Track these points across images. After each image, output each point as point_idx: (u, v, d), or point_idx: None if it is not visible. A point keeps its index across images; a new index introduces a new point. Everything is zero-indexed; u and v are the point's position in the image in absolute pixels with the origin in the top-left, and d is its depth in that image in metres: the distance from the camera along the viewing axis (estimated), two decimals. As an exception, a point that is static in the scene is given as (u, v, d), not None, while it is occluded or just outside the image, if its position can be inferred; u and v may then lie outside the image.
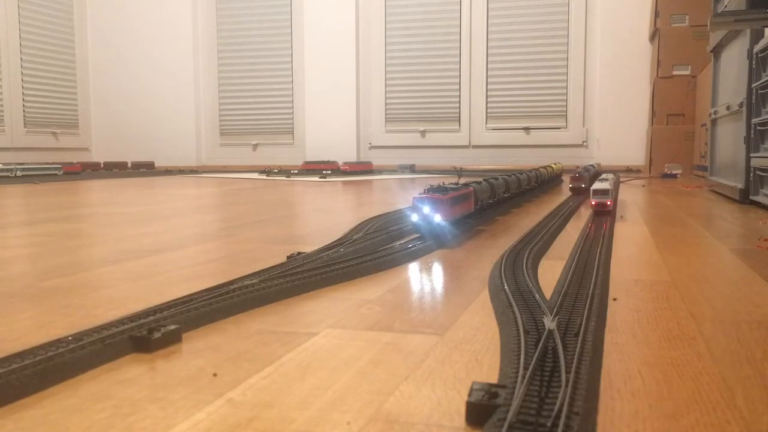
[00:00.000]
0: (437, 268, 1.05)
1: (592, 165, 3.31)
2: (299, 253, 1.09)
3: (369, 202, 2.34)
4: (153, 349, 0.62)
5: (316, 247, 1.17)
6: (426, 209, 1.25)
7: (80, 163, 5.24)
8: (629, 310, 0.78)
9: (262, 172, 4.94)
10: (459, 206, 1.37)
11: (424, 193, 1.28)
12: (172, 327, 0.65)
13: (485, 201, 1.66)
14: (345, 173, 4.63)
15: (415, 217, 1.27)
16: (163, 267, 1.06)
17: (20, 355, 0.55)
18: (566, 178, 3.14)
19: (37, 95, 5.73)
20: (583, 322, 0.64)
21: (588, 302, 0.72)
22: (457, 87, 5.46)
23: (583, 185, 2.48)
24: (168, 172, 5.47)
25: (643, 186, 3.29)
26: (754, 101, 2.17)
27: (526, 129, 5.34)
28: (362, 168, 4.81)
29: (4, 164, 4.56)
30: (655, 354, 0.62)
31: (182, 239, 1.39)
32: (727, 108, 2.53)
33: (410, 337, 0.67)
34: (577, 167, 2.99)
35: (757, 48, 2.14)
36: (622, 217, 1.79)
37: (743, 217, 1.83)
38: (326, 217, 1.83)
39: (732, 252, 1.20)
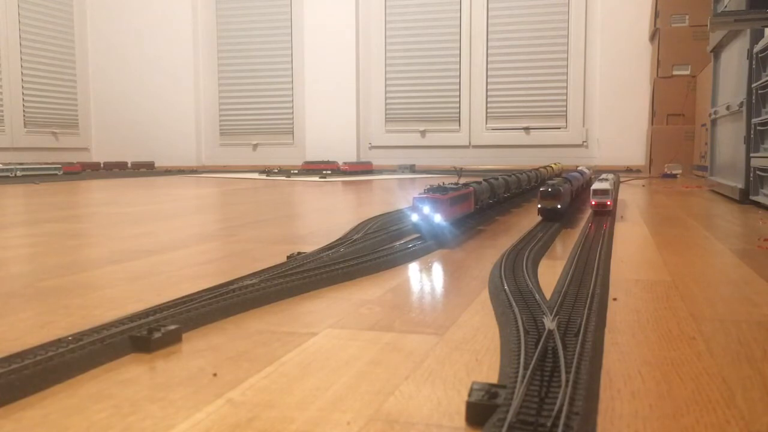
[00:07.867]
0: (437, 268, 1.05)
1: (580, 171, 2.40)
2: (299, 253, 1.09)
3: (369, 202, 2.34)
4: (153, 349, 0.62)
5: (316, 247, 1.17)
6: (426, 209, 1.25)
7: (80, 163, 5.23)
8: (629, 310, 0.78)
9: (262, 172, 4.94)
10: (459, 206, 1.37)
11: (424, 193, 1.28)
12: (172, 327, 0.65)
13: (485, 201, 1.66)
14: (345, 173, 4.63)
15: (415, 217, 1.26)
16: (163, 267, 1.06)
17: (20, 355, 0.55)
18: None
19: (37, 95, 5.73)
20: (583, 322, 0.64)
21: (588, 302, 0.72)
22: (457, 87, 5.46)
23: (559, 206, 1.51)
24: (168, 172, 5.47)
25: (643, 186, 3.29)
26: (754, 101, 2.17)
27: (526, 129, 5.34)
28: (362, 168, 4.81)
29: (4, 164, 4.56)
30: (655, 354, 0.62)
31: (182, 239, 1.39)
32: (727, 108, 2.53)
33: (410, 337, 0.67)
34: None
35: (757, 48, 2.14)
36: (622, 217, 1.79)
37: (743, 217, 1.83)
38: (326, 217, 1.83)
39: (732, 252, 1.20)
